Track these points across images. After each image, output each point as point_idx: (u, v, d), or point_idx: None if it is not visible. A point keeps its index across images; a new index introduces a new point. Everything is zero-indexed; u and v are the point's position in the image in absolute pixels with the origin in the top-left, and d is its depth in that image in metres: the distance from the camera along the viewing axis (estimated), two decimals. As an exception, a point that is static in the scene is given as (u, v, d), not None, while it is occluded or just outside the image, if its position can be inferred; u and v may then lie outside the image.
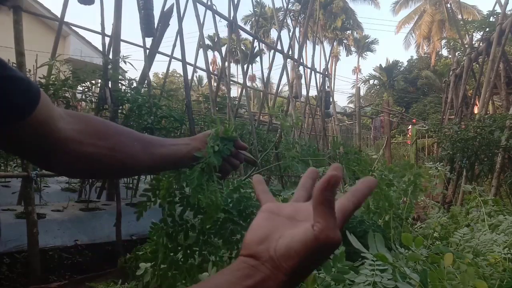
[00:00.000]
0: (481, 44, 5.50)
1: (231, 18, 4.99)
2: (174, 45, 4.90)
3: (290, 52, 6.67)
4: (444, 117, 6.28)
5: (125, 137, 0.69)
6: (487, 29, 5.40)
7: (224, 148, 0.82)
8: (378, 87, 33.76)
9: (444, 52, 29.18)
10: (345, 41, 38.56)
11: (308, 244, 0.38)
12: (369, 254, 0.79)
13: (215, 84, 6.06)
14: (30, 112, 0.53)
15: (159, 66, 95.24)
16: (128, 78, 3.64)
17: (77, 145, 0.62)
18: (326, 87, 8.62)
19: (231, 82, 6.31)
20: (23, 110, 0.52)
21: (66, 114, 0.62)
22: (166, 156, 0.75)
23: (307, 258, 0.38)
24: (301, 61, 7.44)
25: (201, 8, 4.46)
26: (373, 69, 34.67)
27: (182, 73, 4.35)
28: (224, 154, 0.82)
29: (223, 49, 5.33)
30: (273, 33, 33.80)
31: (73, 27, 7.08)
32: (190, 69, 5.41)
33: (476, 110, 5.22)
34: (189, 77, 4.90)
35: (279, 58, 7.21)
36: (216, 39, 6.30)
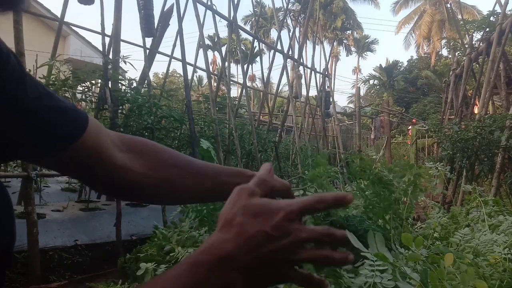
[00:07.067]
0: (481, 44, 5.50)
1: (231, 18, 4.99)
2: (174, 45, 4.91)
3: (290, 52, 6.67)
4: (444, 117, 6.28)
5: (178, 170, 0.67)
6: (487, 29, 5.41)
7: None
8: (378, 87, 33.73)
9: (444, 52, 29.17)
10: (345, 41, 38.55)
11: (232, 196, 0.47)
12: (369, 254, 0.79)
13: (215, 84, 6.06)
14: (72, 142, 0.54)
15: (159, 66, 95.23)
16: (128, 78, 3.64)
17: (127, 174, 0.61)
18: (326, 87, 8.62)
19: (231, 82, 6.31)
20: (66, 140, 0.54)
21: (119, 140, 0.62)
22: (216, 192, 0.72)
23: (228, 206, 0.45)
24: (301, 61, 7.44)
25: (201, 8, 4.47)
26: (373, 69, 34.63)
27: (182, 73, 4.35)
28: None
29: (223, 49, 5.33)
30: (273, 33, 33.81)
31: (73, 27, 7.09)
32: (190, 69, 5.42)
33: (476, 110, 5.22)
34: (189, 77, 4.90)
35: (279, 58, 7.22)
36: (216, 39, 6.30)
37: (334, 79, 30.12)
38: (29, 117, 0.50)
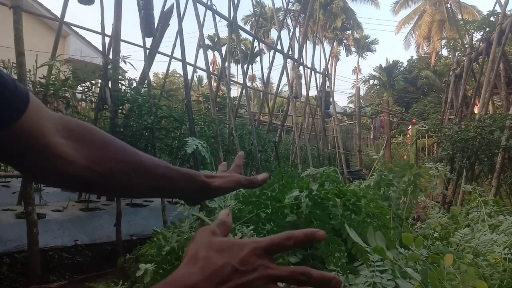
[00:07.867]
0: (481, 44, 5.50)
1: (231, 18, 4.99)
2: (174, 45, 4.91)
3: (290, 52, 6.67)
4: (444, 117, 6.28)
5: (124, 166, 0.62)
6: (487, 29, 5.41)
7: None
8: (378, 87, 33.72)
9: (444, 52, 29.15)
10: (345, 41, 38.53)
11: (195, 236, 0.48)
12: (369, 255, 0.79)
13: (215, 84, 6.06)
14: (7, 126, 0.48)
15: (159, 66, 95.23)
16: (128, 78, 3.64)
17: (67, 164, 0.55)
18: (326, 87, 8.63)
19: (231, 82, 6.31)
20: (3, 121, 0.48)
21: (62, 126, 0.56)
22: (165, 191, 0.70)
23: (192, 244, 0.46)
24: (301, 61, 7.44)
25: (201, 8, 4.47)
26: (373, 69, 34.63)
27: (182, 73, 4.35)
28: None
29: (223, 49, 5.33)
30: (273, 33, 33.79)
31: (73, 27, 7.09)
32: (190, 69, 5.42)
33: (476, 110, 5.22)
34: (189, 77, 4.90)
35: (279, 58, 7.22)
36: (216, 39, 6.30)
37: (334, 79, 30.13)
38: None
